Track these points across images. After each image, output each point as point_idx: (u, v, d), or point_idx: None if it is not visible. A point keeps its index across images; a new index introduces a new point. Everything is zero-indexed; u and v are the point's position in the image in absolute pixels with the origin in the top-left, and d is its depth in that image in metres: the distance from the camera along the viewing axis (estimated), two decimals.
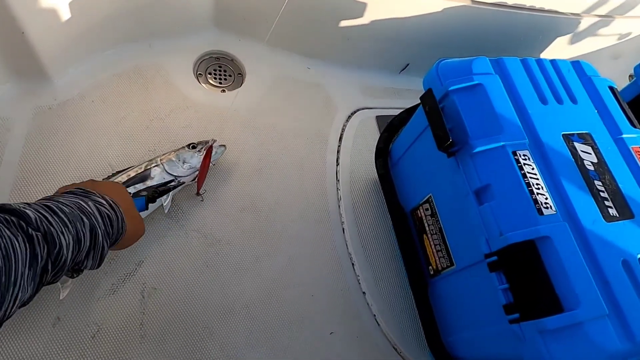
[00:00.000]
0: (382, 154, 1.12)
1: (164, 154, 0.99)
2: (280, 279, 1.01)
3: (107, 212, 0.59)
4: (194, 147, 1.00)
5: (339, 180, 1.18)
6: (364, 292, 1.05)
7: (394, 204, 1.05)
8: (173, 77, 1.18)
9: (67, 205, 0.54)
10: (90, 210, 0.56)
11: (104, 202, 0.60)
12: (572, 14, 1.32)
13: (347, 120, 1.29)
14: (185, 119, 1.13)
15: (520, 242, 0.67)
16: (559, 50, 1.49)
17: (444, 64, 0.84)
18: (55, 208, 0.51)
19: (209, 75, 1.25)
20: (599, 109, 0.87)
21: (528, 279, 0.67)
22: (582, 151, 0.79)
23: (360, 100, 1.34)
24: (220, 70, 1.27)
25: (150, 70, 1.16)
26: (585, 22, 1.37)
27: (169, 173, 0.96)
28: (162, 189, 0.92)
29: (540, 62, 0.88)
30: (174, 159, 0.98)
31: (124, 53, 1.15)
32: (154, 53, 1.18)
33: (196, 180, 1.00)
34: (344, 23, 1.25)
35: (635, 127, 0.87)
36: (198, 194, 1.02)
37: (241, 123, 1.18)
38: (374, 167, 1.17)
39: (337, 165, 1.20)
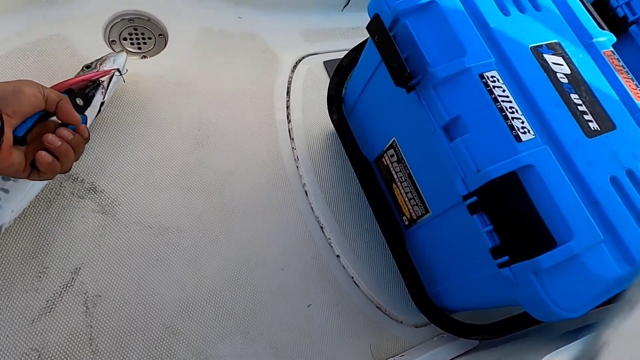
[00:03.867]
0: (335, 101, 1.00)
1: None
2: (243, 257, 0.90)
3: None
4: (88, 67, 0.90)
5: (293, 139, 1.06)
6: (337, 255, 0.96)
7: (356, 154, 0.95)
8: (81, 49, 1.00)
9: None
10: None
11: None
12: None
13: (292, 72, 1.15)
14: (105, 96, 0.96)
15: (500, 177, 0.59)
16: None
17: None
18: None
19: (124, 42, 1.07)
20: (564, 14, 0.78)
21: (514, 216, 0.59)
22: (553, 63, 0.70)
23: (303, 46, 1.20)
24: (136, 34, 1.09)
25: (51, 44, 0.97)
26: None
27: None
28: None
29: None
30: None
31: (18, 26, 0.95)
32: (52, 24, 0.99)
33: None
34: None
35: (603, 29, 0.79)
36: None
37: (171, 90, 1.02)
38: (328, 117, 1.05)
39: (288, 123, 1.08)
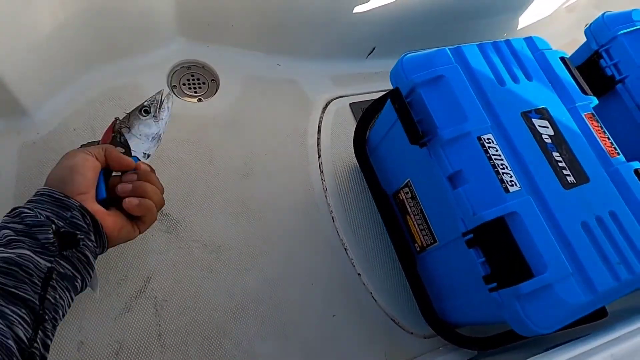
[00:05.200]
0: (360, 142, 1.18)
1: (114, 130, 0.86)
2: (280, 273, 1.08)
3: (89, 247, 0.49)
4: (146, 112, 0.88)
5: (322, 172, 1.24)
6: (358, 274, 1.13)
7: (377, 189, 1.12)
8: (150, 93, 1.20)
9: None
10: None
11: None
12: None
13: (322, 112, 1.34)
14: (168, 133, 1.16)
15: (491, 220, 0.76)
16: (515, 14, 1.55)
17: (408, 59, 0.90)
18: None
19: (183, 86, 1.27)
20: (552, 82, 0.94)
21: (501, 251, 0.75)
22: (539, 126, 0.86)
23: (332, 90, 1.39)
24: (193, 79, 1.29)
25: (125, 91, 1.18)
26: None
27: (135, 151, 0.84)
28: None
29: (495, 44, 0.94)
30: (135, 134, 0.85)
31: (96, 77, 1.17)
32: (126, 73, 1.20)
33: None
34: (305, 14, 1.28)
35: (586, 94, 0.95)
36: None
37: (222, 129, 1.22)
38: (353, 154, 1.23)
39: (319, 158, 1.26)
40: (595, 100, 0.95)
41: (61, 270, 0.47)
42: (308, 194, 1.20)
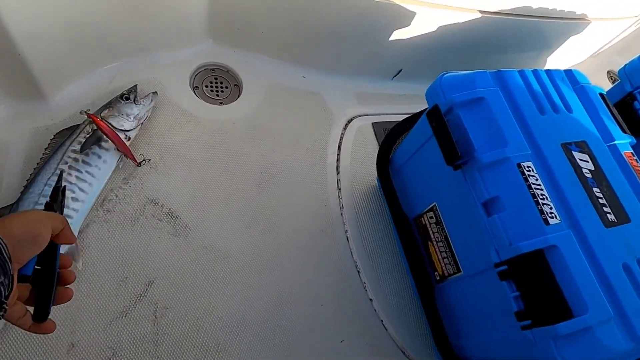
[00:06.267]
0: (383, 162, 1.14)
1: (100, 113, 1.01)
2: (289, 290, 1.02)
3: None
4: (127, 98, 1.03)
5: (340, 189, 1.19)
6: (370, 299, 1.07)
7: (398, 211, 1.07)
8: (170, 92, 1.17)
9: None
10: None
11: None
12: (553, 17, 1.37)
13: (344, 128, 1.30)
14: (185, 134, 1.12)
15: (529, 252, 0.71)
16: (539, 53, 1.54)
17: (447, 78, 0.87)
18: None
19: (205, 88, 1.24)
20: (592, 116, 0.91)
21: (538, 287, 0.70)
22: (580, 159, 0.83)
23: (356, 107, 1.36)
24: (216, 82, 1.26)
25: (146, 85, 1.14)
26: (566, 26, 1.42)
27: (117, 128, 0.99)
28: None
29: (536, 72, 0.91)
30: (116, 114, 1.01)
31: (119, 69, 1.14)
32: (149, 68, 1.17)
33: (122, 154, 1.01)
34: (337, 32, 1.26)
35: (625, 132, 0.92)
36: (139, 164, 1.03)
37: (241, 135, 1.18)
38: (374, 174, 1.19)
39: (337, 174, 1.22)
40: (634, 140, 0.92)
41: None
42: (323, 211, 1.15)
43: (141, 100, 1.06)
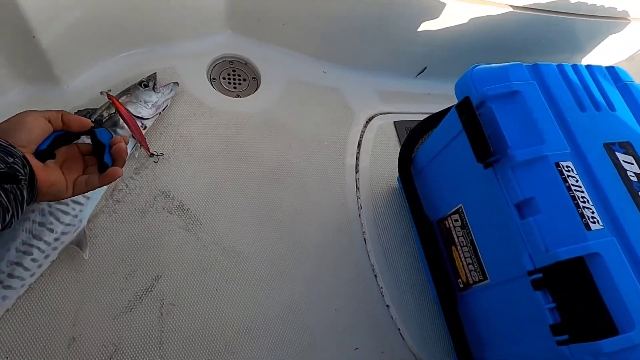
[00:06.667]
0: (405, 162, 1.08)
1: (118, 99, 0.97)
2: (302, 292, 0.97)
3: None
4: (145, 85, 1.01)
5: (358, 188, 1.14)
6: (387, 305, 1.01)
7: (420, 213, 1.01)
8: (186, 82, 1.14)
9: None
10: None
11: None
12: (590, 15, 1.29)
13: (364, 126, 1.25)
14: (200, 126, 1.09)
15: (568, 260, 0.64)
16: (572, 55, 1.46)
17: (478, 70, 0.81)
18: None
19: (222, 80, 1.20)
20: (637, 116, 0.84)
21: (578, 298, 0.63)
22: (624, 161, 0.76)
23: (377, 105, 1.31)
24: (234, 74, 1.22)
25: (163, 74, 1.11)
26: (604, 25, 1.34)
27: (134, 115, 0.96)
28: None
29: (575, 67, 0.84)
30: (134, 100, 0.98)
31: (136, 57, 1.11)
32: (166, 57, 1.14)
33: (137, 143, 0.98)
34: (359, 26, 1.21)
35: None
36: (151, 154, 1.00)
37: (257, 129, 1.14)
38: (394, 174, 1.13)
39: (356, 173, 1.16)
40: None
41: None
42: (341, 210, 1.10)
43: (161, 88, 1.03)
